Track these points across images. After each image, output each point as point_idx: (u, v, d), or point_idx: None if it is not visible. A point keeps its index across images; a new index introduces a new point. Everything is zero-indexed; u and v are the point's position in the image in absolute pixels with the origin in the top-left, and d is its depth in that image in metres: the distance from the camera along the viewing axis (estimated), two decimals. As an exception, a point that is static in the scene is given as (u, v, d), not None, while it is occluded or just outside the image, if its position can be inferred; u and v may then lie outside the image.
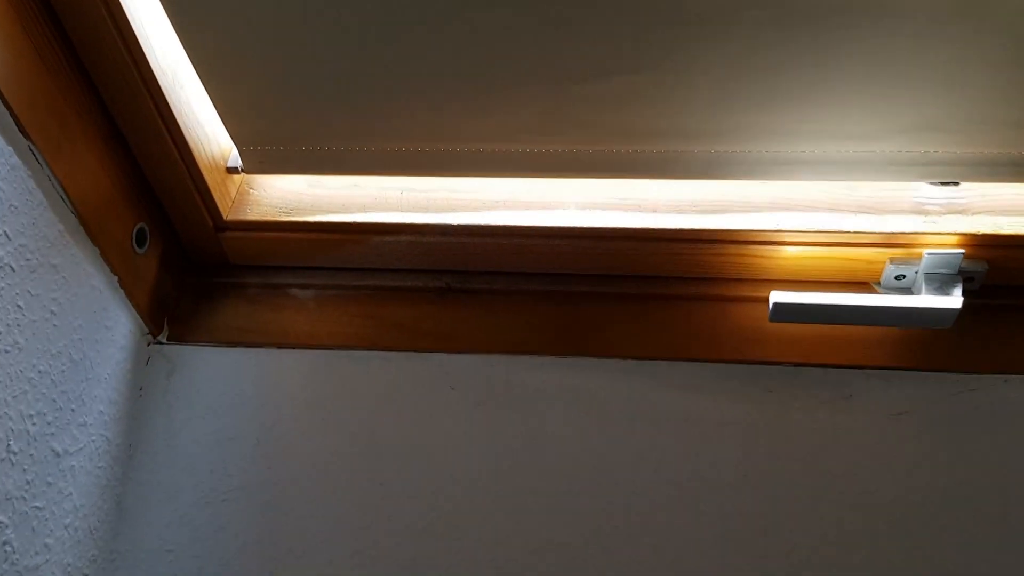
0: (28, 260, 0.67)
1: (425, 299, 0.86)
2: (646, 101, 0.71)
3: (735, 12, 0.63)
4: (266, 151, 0.80)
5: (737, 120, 0.73)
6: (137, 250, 0.80)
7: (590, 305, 0.85)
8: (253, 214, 0.84)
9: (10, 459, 0.67)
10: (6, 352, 0.66)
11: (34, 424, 0.69)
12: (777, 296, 0.75)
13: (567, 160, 0.78)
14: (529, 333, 0.84)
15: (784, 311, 0.76)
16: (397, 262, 0.86)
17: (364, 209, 0.83)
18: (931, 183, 0.80)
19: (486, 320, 0.85)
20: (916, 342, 0.81)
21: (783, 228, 0.79)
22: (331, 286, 0.87)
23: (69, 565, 0.75)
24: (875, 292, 0.83)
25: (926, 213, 0.79)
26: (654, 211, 0.81)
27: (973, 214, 0.78)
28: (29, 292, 0.68)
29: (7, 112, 0.63)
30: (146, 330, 0.85)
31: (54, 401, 0.72)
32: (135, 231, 0.79)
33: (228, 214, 0.84)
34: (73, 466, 0.75)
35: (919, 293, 0.79)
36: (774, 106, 0.71)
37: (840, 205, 0.80)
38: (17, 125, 0.64)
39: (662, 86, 0.70)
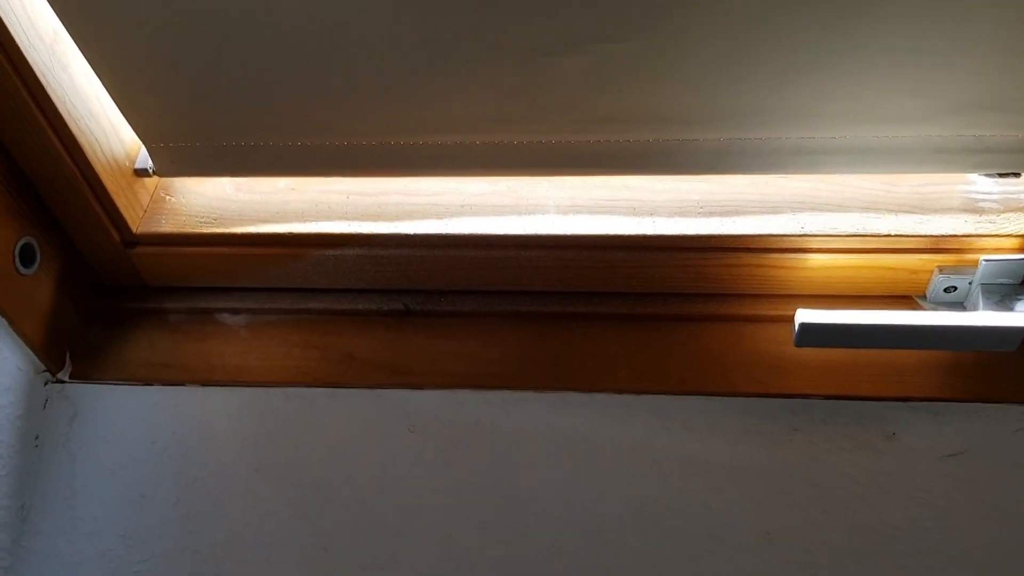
0: None
1: (379, 324, 0.72)
2: (635, 77, 0.57)
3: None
4: (180, 148, 0.66)
5: (751, 100, 0.59)
6: (22, 270, 0.65)
7: (577, 329, 0.71)
8: (170, 225, 0.70)
9: None
10: None
11: None
12: (804, 315, 0.61)
13: (544, 153, 0.64)
14: (504, 364, 0.69)
15: (813, 333, 0.62)
16: (345, 281, 0.72)
17: (303, 218, 0.69)
18: (986, 175, 0.66)
19: (452, 348, 0.70)
20: (972, 368, 0.67)
21: (809, 232, 0.65)
22: (267, 310, 0.73)
23: (-65, 663, 0.61)
24: (920, 308, 0.69)
25: (981, 211, 0.65)
26: (652, 215, 0.67)
27: (1038, 211, 0.65)
28: None
29: None
30: (42, 367, 0.70)
31: (-93, 462, 0.58)
32: (18, 247, 0.64)
33: (139, 226, 0.70)
34: (-62, 540, 0.61)
35: (975, 308, 0.66)
36: (796, 81, 0.57)
37: (877, 203, 0.67)
38: None
39: (655, 58, 0.56)
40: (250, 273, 0.72)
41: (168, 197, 0.71)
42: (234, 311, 0.73)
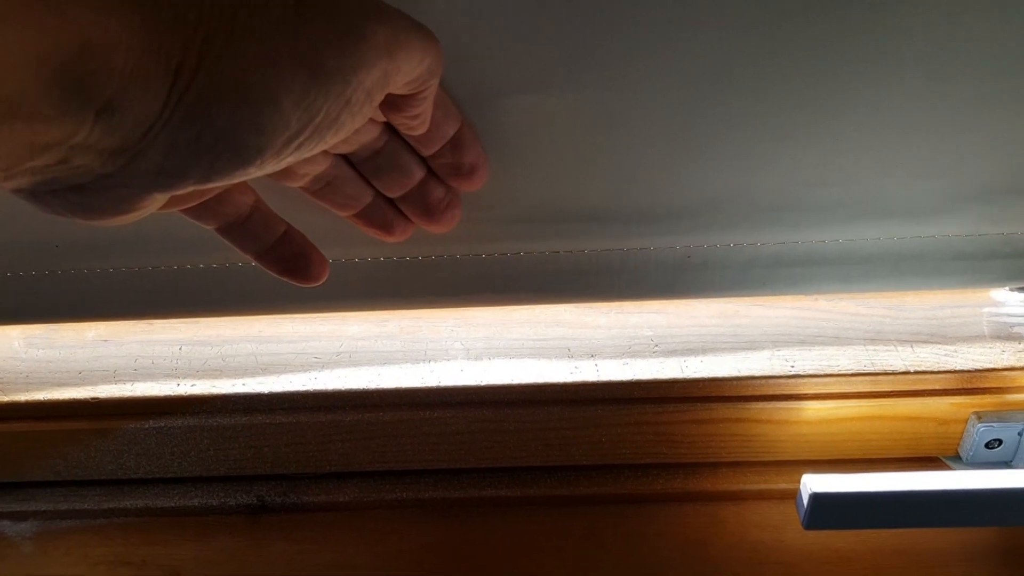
0: None
1: (222, 527, 0.51)
2: (557, 152, 0.42)
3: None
4: (-54, 285, 0.48)
5: (713, 188, 0.44)
6: None
7: (501, 519, 0.51)
8: (-72, 395, 0.50)
9: None
10: None
11: None
12: (816, 483, 0.43)
13: (443, 276, 0.47)
14: (403, 574, 0.49)
15: (829, 509, 0.44)
16: (173, 466, 0.52)
17: (117, 378, 0.50)
18: (1015, 289, 0.52)
19: (327, 556, 0.50)
20: (1038, 550, 0.49)
21: (801, 372, 0.49)
22: (62, 513, 0.52)
23: None
24: (948, 469, 0.52)
25: (1019, 338, 0.50)
26: (592, 356, 0.50)
27: (1089, 336, 0.50)
28: None
29: None
30: None
31: None
32: None
33: None
34: None
35: (1030, 467, 0.49)
36: (771, 160, 0.43)
37: (883, 332, 0.51)
38: None
39: (588, 117, 0.41)
40: (40, 460, 0.51)
41: (-69, 357, 0.52)
42: (17, 516, 0.52)
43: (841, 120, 0.41)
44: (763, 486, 0.52)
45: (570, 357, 0.50)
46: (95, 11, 0.22)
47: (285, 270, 0.37)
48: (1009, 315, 0.51)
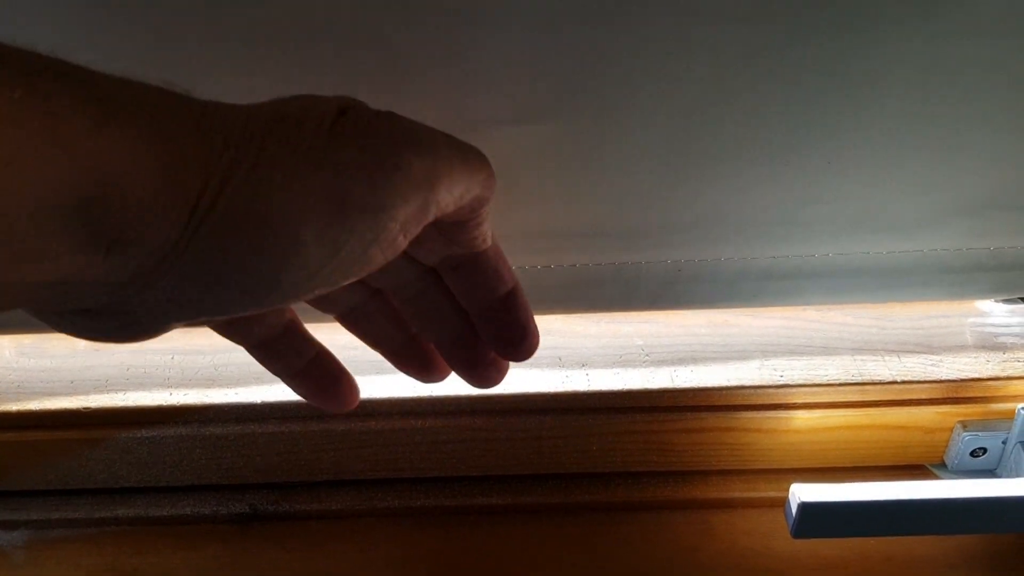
0: None
1: (214, 535, 0.52)
2: (551, 174, 0.43)
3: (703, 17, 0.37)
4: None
5: (705, 206, 0.45)
6: None
7: (491, 528, 0.52)
8: (-82, 405, 0.50)
9: None
10: None
11: None
12: (803, 492, 0.44)
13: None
14: (390, 584, 0.50)
15: (817, 518, 0.45)
16: (165, 475, 0.52)
17: (109, 387, 0.50)
18: (1003, 300, 0.52)
19: (319, 565, 0.50)
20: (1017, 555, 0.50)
21: (790, 381, 0.50)
22: (55, 522, 0.52)
23: None
24: (934, 478, 0.53)
25: (1004, 348, 0.51)
26: (584, 366, 0.51)
27: (1073, 346, 0.51)
28: None
29: None
30: None
31: None
32: None
33: None
34: None
35: (1014, 475, 0.50)
36: (762, 179, 0.43)
37: (871, 342, 0.52)
38: None
39: (582, 143, 0.41)
40: (31, 469, 0.51)
41: (-79, 366, 0.52)
42: (7, 525, 0.52)
43: (830, 139, 0.41)
44: (752, 494, 0.52)
45: (561, 366, 0.51)
46: (111, 148, 0.21)
47: (313, 394, 0.35)
48: (994, 325, 0.52)
